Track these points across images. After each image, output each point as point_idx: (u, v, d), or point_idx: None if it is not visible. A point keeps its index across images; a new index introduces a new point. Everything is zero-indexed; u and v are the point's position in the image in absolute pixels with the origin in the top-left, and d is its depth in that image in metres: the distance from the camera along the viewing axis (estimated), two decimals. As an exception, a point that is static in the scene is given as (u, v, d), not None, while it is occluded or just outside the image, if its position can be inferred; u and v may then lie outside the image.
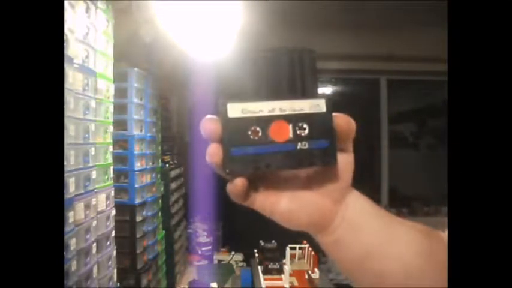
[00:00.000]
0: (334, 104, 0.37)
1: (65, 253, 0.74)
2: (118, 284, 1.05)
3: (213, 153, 0.36)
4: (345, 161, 0.40)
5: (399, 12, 2.31)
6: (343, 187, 0.41)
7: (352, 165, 0.41)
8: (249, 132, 0.36)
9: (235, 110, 0.36)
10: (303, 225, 0.41)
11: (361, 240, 0.41)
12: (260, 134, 0.36)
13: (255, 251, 1.87)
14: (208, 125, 0.36)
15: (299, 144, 0.36)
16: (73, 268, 0.77)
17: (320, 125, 0.37)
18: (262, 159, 0.36)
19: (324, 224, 0.41)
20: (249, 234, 1.94)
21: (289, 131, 0.36)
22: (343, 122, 0.37)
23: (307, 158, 0.36)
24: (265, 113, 0.36)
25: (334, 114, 0.37)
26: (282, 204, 0.39)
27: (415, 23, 2.40)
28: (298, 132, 0.36)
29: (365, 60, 2.69)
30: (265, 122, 0.36)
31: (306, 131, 0.36)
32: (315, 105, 0.37)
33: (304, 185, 0.40)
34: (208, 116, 0.36)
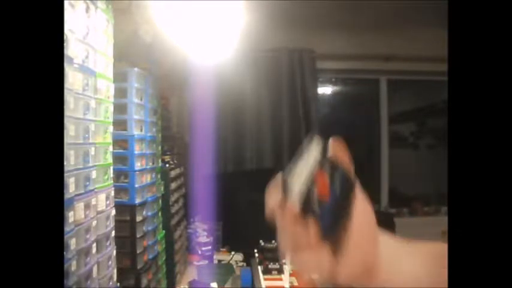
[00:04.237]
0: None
1: (65, 253, 0.74)
2: (118, 284, 1.05)
3: None
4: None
5: (399, 12, 2.31)
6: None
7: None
8: None
9: None
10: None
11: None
12: None
13: (255, 251, 1.87)
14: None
15: None
16: (73, 268, 0.77)
17: None
18: None
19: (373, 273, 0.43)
20: (249, 234, 1.94)
21: None
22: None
23: None
24: None
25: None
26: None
27: (415, 23, 2.41)
28: None
29: (365, 60, 2.69)
30: None
31: None
32: None
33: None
34: None
